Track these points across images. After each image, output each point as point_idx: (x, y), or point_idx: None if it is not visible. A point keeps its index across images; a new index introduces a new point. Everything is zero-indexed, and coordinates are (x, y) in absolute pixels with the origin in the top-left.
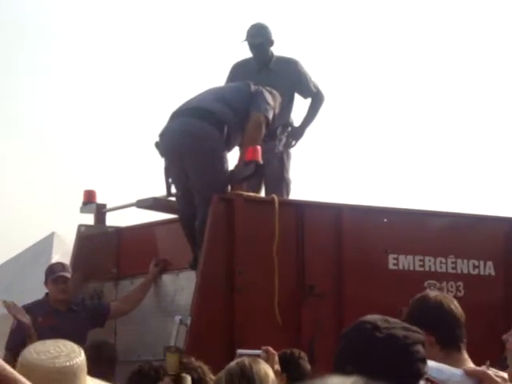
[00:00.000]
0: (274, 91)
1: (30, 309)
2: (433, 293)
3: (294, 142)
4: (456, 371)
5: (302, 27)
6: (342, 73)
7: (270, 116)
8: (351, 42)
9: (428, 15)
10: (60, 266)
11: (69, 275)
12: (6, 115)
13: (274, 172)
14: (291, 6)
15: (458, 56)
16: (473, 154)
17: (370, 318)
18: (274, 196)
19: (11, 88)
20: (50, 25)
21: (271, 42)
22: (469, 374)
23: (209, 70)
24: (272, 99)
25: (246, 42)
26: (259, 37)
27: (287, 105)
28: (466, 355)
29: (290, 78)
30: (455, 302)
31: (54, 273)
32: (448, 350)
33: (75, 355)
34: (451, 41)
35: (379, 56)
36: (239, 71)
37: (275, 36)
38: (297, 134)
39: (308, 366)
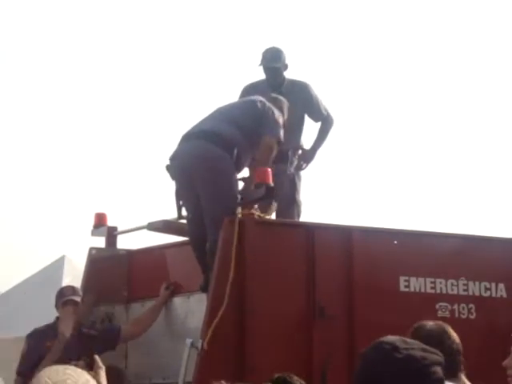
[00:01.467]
0: (279, 98)
1: (40, 332)
2: (429, 322)
3: (304, 165)
4: None
5: (310, 49)
6: (351, 95)
7: (282, 135)
8: (361, 60)
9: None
10: (70, 289)
11: (79, 299)
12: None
13: (286, 194)
14: (295, 25)
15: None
16: (483, 177)
17: (389, 338)
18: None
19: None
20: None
21: (286, 66)
22: None
23: (218, 90)
24: (280, 115)
25: (262, 66)
26: (275, 61)
27: (298, 128)
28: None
29: (301, 101)
30: (451, 330)
31: (64, 296)
32: (447, 378)
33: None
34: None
35: (392, 79)
36: (251, 93)
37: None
38: (307, 156)
39: None
